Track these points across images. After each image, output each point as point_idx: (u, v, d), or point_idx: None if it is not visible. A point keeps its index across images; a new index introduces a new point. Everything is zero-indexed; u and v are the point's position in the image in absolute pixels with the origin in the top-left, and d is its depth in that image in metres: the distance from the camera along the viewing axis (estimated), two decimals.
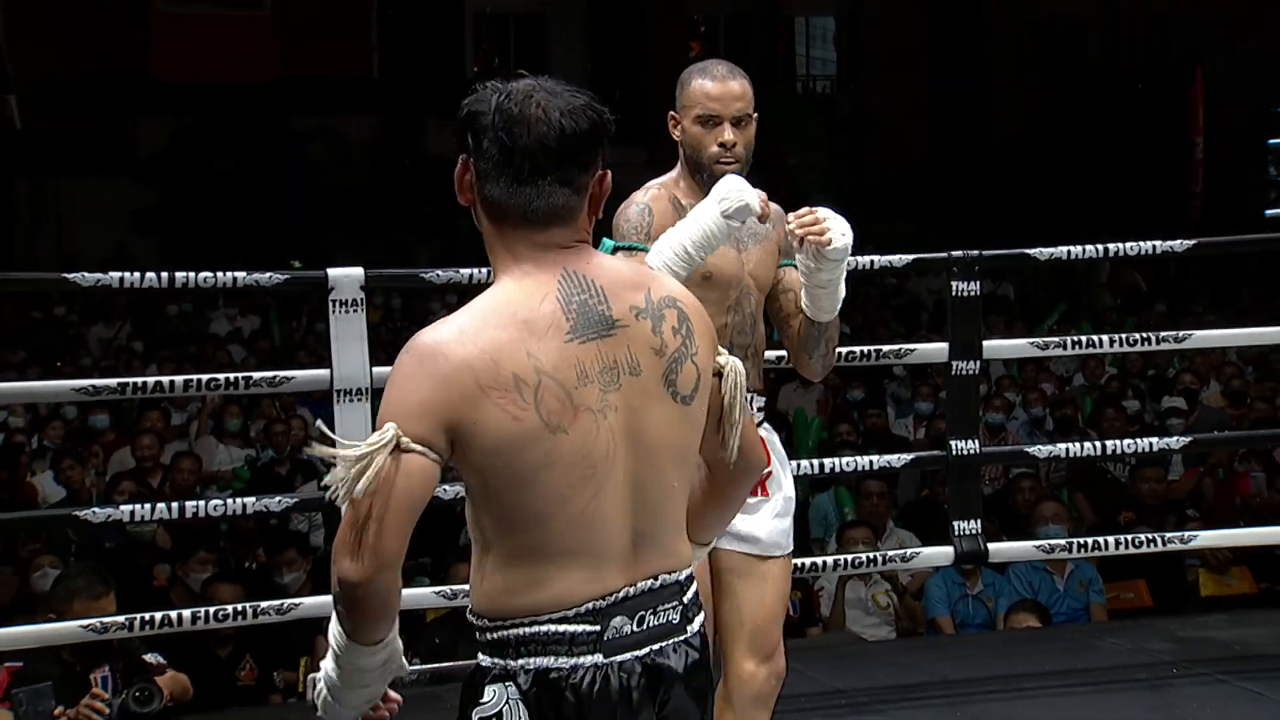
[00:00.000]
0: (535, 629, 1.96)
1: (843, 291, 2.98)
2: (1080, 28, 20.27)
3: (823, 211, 2.89)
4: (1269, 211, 13.51)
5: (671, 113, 3.03)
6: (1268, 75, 15.75)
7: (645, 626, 1.98)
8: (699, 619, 2.05)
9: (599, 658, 1.96)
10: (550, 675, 1.96)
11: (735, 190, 2.80)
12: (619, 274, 2.02)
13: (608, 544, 1.97)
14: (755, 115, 3.00)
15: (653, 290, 2.02)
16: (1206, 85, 15.13)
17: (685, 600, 2.03)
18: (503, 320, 1.94)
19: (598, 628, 1.96)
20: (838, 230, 2.86)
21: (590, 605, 1.96)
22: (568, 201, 1.99)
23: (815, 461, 4.83)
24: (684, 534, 2.07)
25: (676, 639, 2.01)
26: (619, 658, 1.96)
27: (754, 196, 2.80)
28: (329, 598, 3.94)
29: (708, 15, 20.18)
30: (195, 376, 4.10)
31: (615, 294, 1.99)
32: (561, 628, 1.96)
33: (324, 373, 4.01)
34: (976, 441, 4.55)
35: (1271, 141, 13.54)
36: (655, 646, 1.98)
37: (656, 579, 2.00)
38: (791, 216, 2.89)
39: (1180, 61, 16.90)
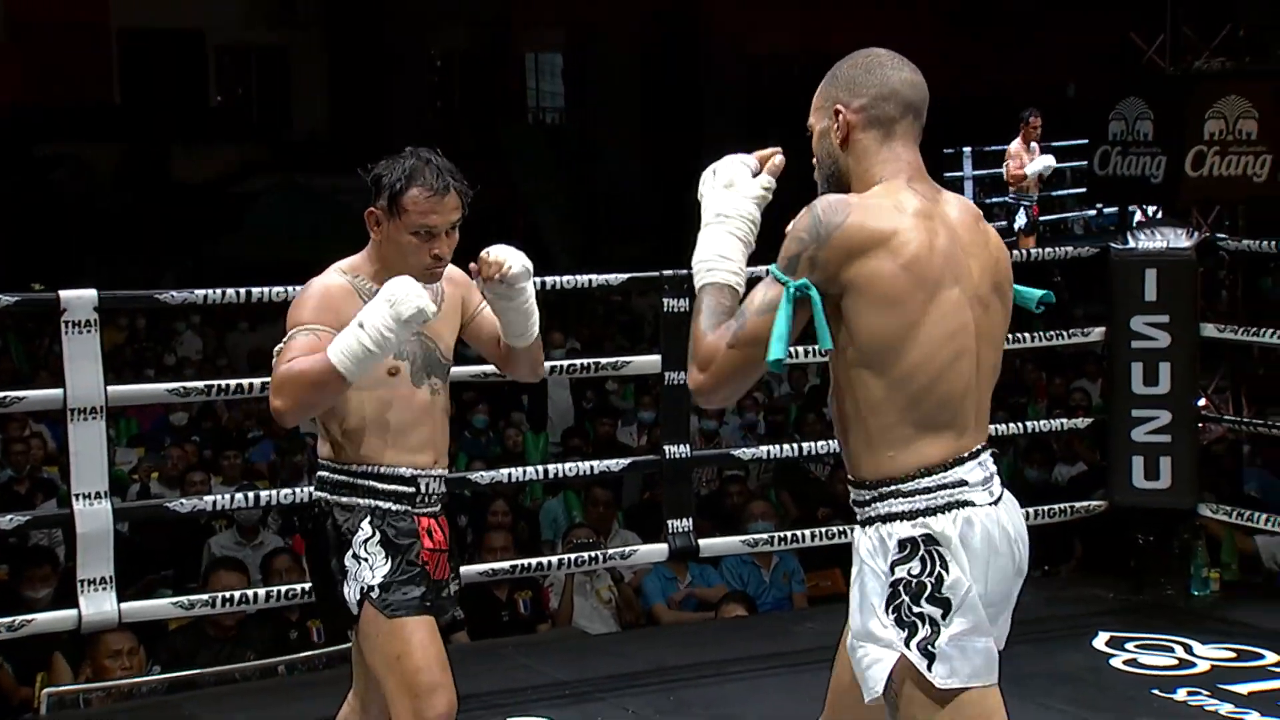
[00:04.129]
0: None
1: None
2: (786, 67, 20.90)
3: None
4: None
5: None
6: (951, 115, 16.59)
7: None
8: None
9: None
10: None
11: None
12: None
13: None
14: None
15: None
16: None
17: None
18: None
19: None
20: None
21: None
22: None
23: (542, 468, 4.89)
24: None
25: None
26: None
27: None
28: (67, 612, 3.81)
29: (444, 51, 20.08)
30: None
31: None
32: None
33: (57, 392, 3.84)
34: (688, 446, 4.65)
35: (960, 173, 14.40)
36: None
37: None
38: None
39: None
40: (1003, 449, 7.91)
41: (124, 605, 3.92)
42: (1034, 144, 10.82)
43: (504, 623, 5.82)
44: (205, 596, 4.13)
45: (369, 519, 2.74)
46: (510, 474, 4.65)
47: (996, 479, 2.21)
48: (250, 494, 4.50)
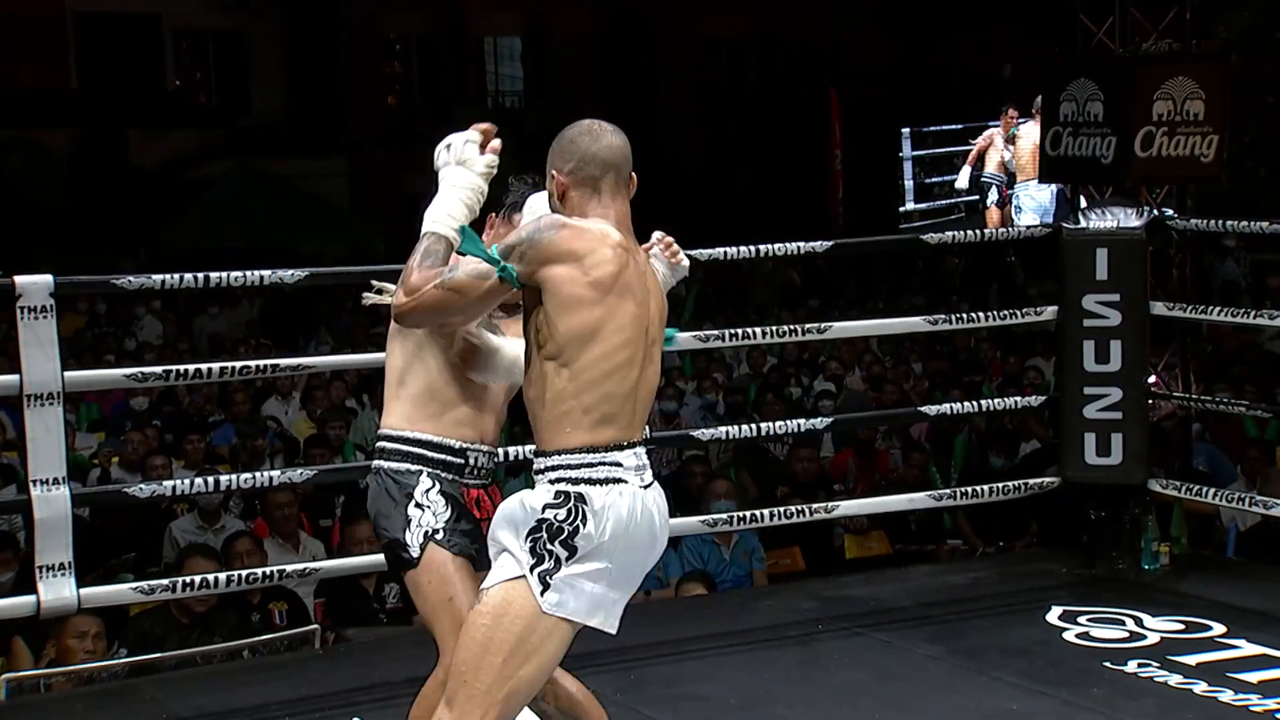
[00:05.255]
0: None
1: None
2: (740, 52, 20.89)
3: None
4: (902, 209, 14.58)
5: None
6: (896, 98, 16.68)
7: None
8: None
9: None
10: None
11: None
12: None
13: None
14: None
15: None
16: (844, 105, 15.91)
17: None
18: None
19: None
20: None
21: None
22: None
23: (506, 450, 4.85)
24: None
25: None
26: None
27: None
28: (26, 598, 3.78)
29: (402, 35, 19.95)
30: None
31: None
32: None
33: (13, 378, 3.80)
34: (649, 428, 4.63)
35: (901, 154, 14.56)
36: None
37: None
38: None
39: (820, 84, 17.68)
40: (958, 427, 7.96)
41: (84, 590, 3.89)
42: (1013, 130, 10.96)
43: None
44: (166, 581, 4.11)
45: (425, 475, 2.92)
46: None
47: (649, 471, 2.67)
48: (211, 479, 4.47)
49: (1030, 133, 10.35)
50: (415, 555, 2.87)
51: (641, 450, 2.65)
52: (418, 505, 2.90)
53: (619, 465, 2.60)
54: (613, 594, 2.62)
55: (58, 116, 16.45)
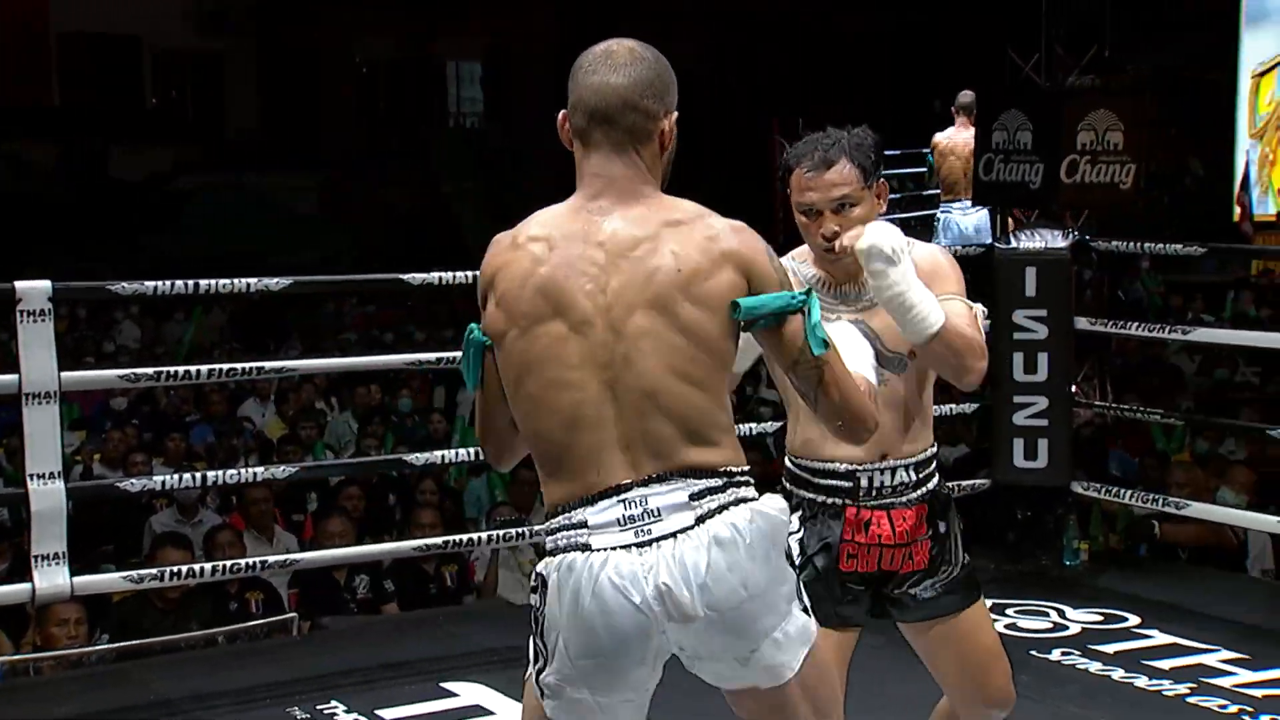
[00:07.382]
0: None
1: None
2: (694, 80, 20.92)
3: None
4: None
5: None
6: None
7: None
8: None
9: None
10: None
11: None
12: None
13: None
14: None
15: None
16: (784, 134, 16.05)
17: None
18: None
19: None
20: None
21: None
22: None
23: (472, 450, 4.85)
24: None
25: None
26: None
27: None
28: (21, 586, 3.73)
29: (369, 59, 19.86)
30: None
31: None
32: None
33: (13, 378, 3.76)
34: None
35: None
36: None
37: None
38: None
39: (763, 112, 17.82)
40: None
41: (75, 579, 3.85)
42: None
43: (432, 595, 5.79)
44: (154, 570, 4.07)
45: (799, 514, 2.49)
46: (443, 456, 4.63)
47: (666, 519, 1.84)
48: (196, 474, 4.44)
49: (954, 141, 8.47)
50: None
51: (646, 495, 1.86)
52: (788, 551, 2.33)
53: (583, 526, 1.86)
54: (599, 698, 1.88)
55: (41, 131, 16.28)
